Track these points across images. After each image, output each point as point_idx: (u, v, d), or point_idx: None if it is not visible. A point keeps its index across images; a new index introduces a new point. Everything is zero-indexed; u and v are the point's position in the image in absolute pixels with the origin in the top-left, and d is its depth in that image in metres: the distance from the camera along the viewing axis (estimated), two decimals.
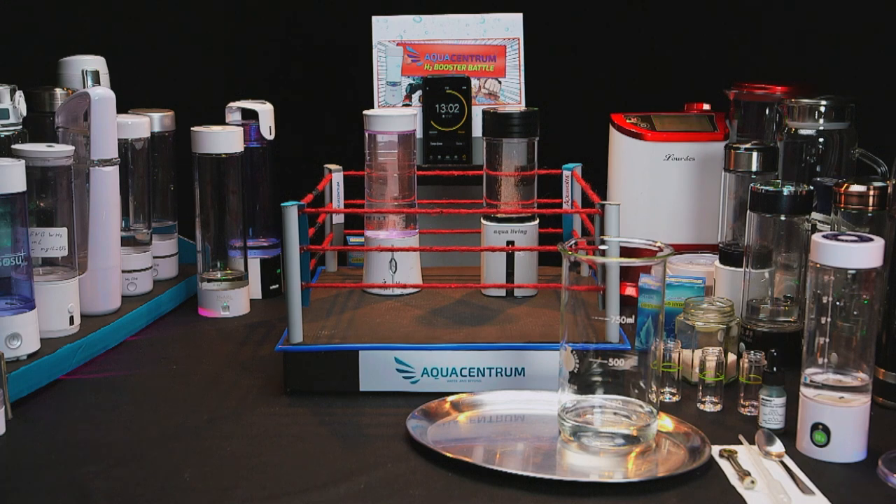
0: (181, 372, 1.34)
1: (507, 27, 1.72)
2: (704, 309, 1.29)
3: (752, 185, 1.35)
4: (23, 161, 1.24)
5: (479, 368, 1.22)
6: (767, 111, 1.58)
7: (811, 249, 1.06)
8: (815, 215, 1.33)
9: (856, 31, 1.69)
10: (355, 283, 1.46)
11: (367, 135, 1.41)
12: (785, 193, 1.30)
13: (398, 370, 1.22)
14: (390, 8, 1.73)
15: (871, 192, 1.25)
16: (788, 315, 1.34)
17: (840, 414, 1.05)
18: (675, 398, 1.22)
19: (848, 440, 1.05)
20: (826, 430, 1.05)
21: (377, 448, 1.09)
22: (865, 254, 1.03)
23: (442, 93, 1.70)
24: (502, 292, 1.41)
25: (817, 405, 1.06)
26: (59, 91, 1.52)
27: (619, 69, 1.89)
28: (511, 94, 1.72)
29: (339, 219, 1.56)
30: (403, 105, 1.72)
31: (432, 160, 1.71)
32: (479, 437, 1.14)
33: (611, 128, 1.65)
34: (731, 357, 1.27)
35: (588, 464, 1.06)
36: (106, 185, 1.42)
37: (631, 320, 1.11)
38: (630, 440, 1.07)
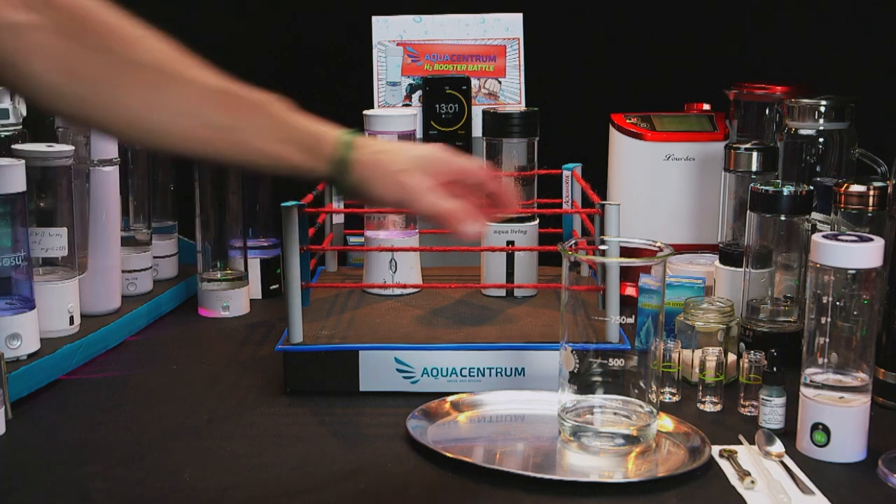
0: (181, 372, 1.34)
1: (507, 27, 1.72)
2: (704, 309, 1.29)
3: (752, 185, 1.35)
4: (23, 161, 1.24)
5: (479, 368, 1.22)
6: (767, 111, 1.58)
7: (811, 249, 1.06)
8: (815, 215, 1.33)
9: (856, 31, 1.69)
10: (355, 283, 1.46)
11: (367, 135, 1.41)
12: (785, 193, 1.30)
13: (398, 370, 1.22)
14: (390, 8, 1.73)
15: (871, 192, 1.25)
16: (788, 315, 1.34)
17: (840, 414, 1.05)
18: (675, 398, 1.22)
19: (848, 440, 1.05)
20: (826, 430, 1.05)
21: (377, 448, 1.09)
22: (865, 254, 1.03)
23: (442, 93, 1.70)
24: (502, 292, 1.41)
25: (817, 405, 1.06)
26: None
27: (619, 69, 1.89)
28: (511, 94, 1.72)
29: (339, 219, 1.56)
30: (403, 105, 1.72)
31: None
32: (479, 437, 1.14)
33: (611, 128, 1.65)
34: (731, 357, 1.27)
35: (588, 464, 1.06)
36: (106, 185, 1.42)
37: (631, 320, 1.11)
38: (630, 440, 1.07)
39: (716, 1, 1.84)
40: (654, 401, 1.08)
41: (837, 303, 1.05)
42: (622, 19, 1.91)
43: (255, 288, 1.63)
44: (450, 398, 1.18)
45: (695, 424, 1.11)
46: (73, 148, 1.35)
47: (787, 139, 1.47)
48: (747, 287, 1.36)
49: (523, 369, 1.22)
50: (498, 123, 1.38)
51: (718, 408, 1.19)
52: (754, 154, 1.43)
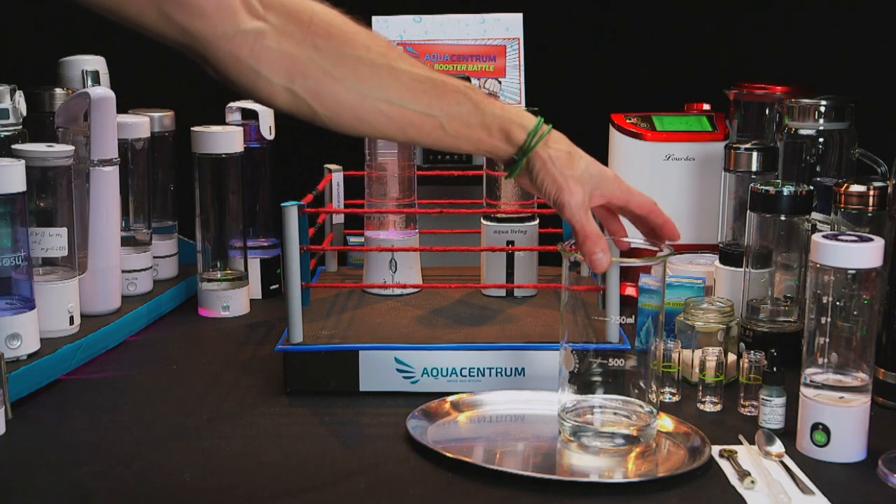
0: (181, 372, 1.34)
1: (507, 27, 1.72)
2: (704, 309, 1.29)
3: (752, 185, 1.35)
4: (23, 161, 1.24)
5: (479, 368, 1.22)
6: (767, 111, 1.58)
7: (811, 249, 1.06)
8: (815, 215, 1.33)
9: (856, 31, 1.69)
10: (355, 283, 1.46)
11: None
12: (785, 193, 1.30)
13: (398, 370, 1.22)
14: (390, 8, 1.73)
15: (871, 192, 1.25)
16: (788, 315, 1.34)
17: (840, 414, 1.05)
18: (675, 398, 1.22)
19: (848, 440, 1.05)
20: (826, 430, 1.05)
21: (377, 448, 1.09)
22: (865, 254, 1.03)
23: None
24: (502, 292, 1.41)
25: (817, 405, 1.06)
26: (59, 91, 1.52)
27: (619, 69, 1.89)
28: (511, 94, 1.72)
29: (339, 219, 1.56)
30: None
31: (432, 160, 1.71)
32: (479, 437, 1.14)
33: (611, 128, 1.65)
34: (731, 357, 1.27)
35: (588, 464, 1.06)
36: (106, 185, 1.42)
37: (631, 320, 1.11)
38: (630, 440, 1.07)
39: (716, 1, 1.84)
40: (654, 401, 1.08)
41: (837, 303, 1.05)
42: (622, 20, 1.91)
43: (255, 288, 1.63)
44: (450, 398, 1.18)
45: (695, 424, 1.11)
46: (73, 148, 1.35)
47: (787, 139, 1.47)
48: (747, 287, 1.36)
49: (523, 369, 1.22)
50: None
51: (718, 408, 1.19)
52: (754, 154, 1.43)
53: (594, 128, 1.68)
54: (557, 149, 1.01)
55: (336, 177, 1.54)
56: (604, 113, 1.66)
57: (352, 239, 1.60)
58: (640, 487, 0.99)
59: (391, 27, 1.72)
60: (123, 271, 1.51)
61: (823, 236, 1.05)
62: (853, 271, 1.04)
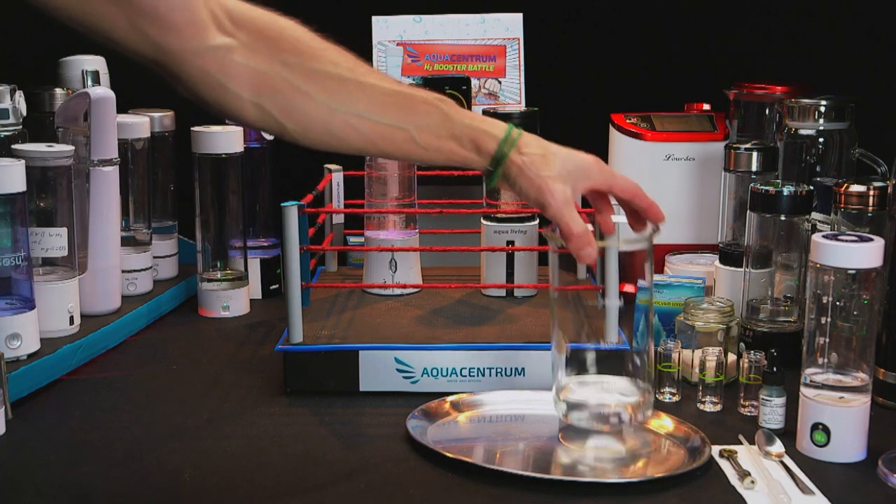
0: (181, 372, 1.34)
1: (507, 27, 1.72)
2: (704, 309, 1.29)
3: (752, 185, 1.35)
4: (23, 161, 1.24)
5: (479, 368, 1.22)
6: (767, 111, 1.58)
7: (811, 249, 1.06)
8: (815, 215, 1.33)
9: (856, 31, 1.69)
10: (355, 283, 1.46)
11: None
12: (785, 193, 1.30)
13: (398, 370, 1.22)
14: (390, 8, 1.73)
15: (871, 192, 1.25)
16: (788, 315, 1.34)
17: (840, 414, 1.05)
18: (675, 398, 1.22)
19: (848, 440, 1.05)
20: (826, 430, 1.05)
21: (377, 448, 1.09)
22: (865, 254, 1.03)
23: (442, 93, 1.69)
24: (502, 292, 1.41)
25: (817, 405, 1.06)
26: (59, 91, 1.52)
27: (619, 69, 1.89)
28: (511, 94, 1.72)
29: (339, 219, 1.56)
30: None
31: None
32: (479, 437, 1.14)
33: (611, 128, 1.65)
34: (731, 357, 1.27)
35: (588, 464, 1.06)
36: (106, 185, 1.42)
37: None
38: (625, 418, 1.06)
39: (716, 1, 1.84)
40: (651, 376, 1.07)
41: (837, 303, 1.05)
42: (622, 19, 1.91)
43: (255, 288, 1.63)
44: (450, 398, 1.18)
45: (695, 424, 1.11)
46: (73, 148, 1.35)
47: (787, 139, 1.47)
48: (747, 287, 1.36)
49: (523, 369, 1.22)
50: None
51: (718, 408, 1.19)
52: (754, 154, 1.43)
53: (594, 128, 1.68)
54: (530, 153, 1.00)
55: (336, 177, 1.54)
56: (604, 113, 1.66)
57: (352, 239, 1.60)
58: (640, 487, 0.99)
59: (391, 27, 1.72)
60: (123, 271, 1.51)
61: (823, 236, 1.05)
62: (853, 271, 1.04)
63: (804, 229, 1.32)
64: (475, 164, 1.00)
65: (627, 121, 1.63)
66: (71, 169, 1.35)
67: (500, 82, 1.72)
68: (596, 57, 1.89)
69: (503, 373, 1.22)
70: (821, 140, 1.45)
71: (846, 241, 1.04)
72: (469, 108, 1.69)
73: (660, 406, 1.19)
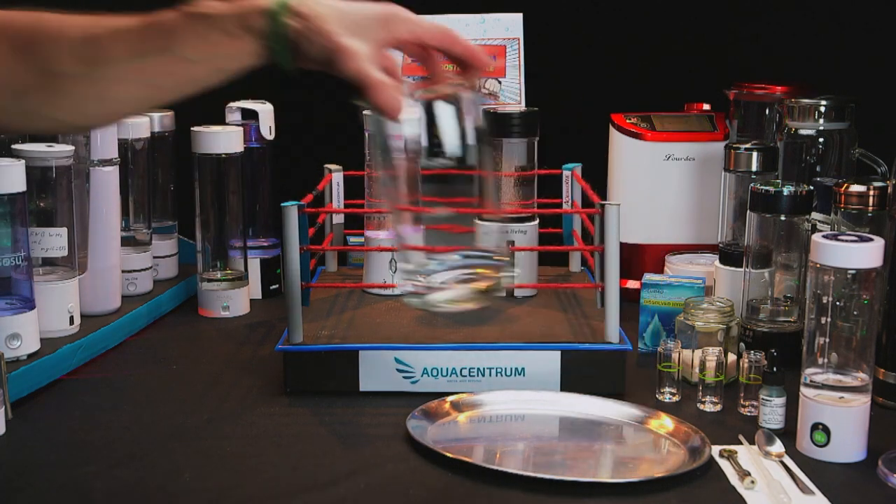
0: (181, 372, 1.34)
1: (507, 27, 1.72)
2: (704, 309, 1.29)
3: (752, 185, 1.34)
4: (23, 161, 1.24)
5: (479, 368, 1.22)
6: (767, 111, 1.58)
7: (811, 249, 1.06)
8: (815, 215, 1.33)
9: (856, 31, 1.69)
10: (355, 283, 1.46)
11: (367, 135, 1.41)
12: (785, 193, 1.30)
13: (398, 370, 1.22)
14: None
15: (871, 192, 1.25)
16: (788, 315, 1.34)
17: (840, 414, 1.05)
18: (675, 398, 1.22)
19: (848, 440, 1.05)
20: (826, 430, 1.05)
21: (377, 448, 1.09)
22: (865, 254, 1.03)
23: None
24: (502, 292, 1.40)
25: (817, 405, 1.06)
26: None
27: (619, 69, 1.89)
28: (511, 94, 1.72)
29: (339, 219, 1.56)
30: None
31: None
32: (479, 437, 1.14)
33: (611, 128, 1.65)
34: (731, 357, 1.27)
35: (588, 463, 1.06)
36: (106, 185, 1.42)
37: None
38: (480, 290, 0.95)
39: (716, 1, 1.84)
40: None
41: (837, 303, 1.05)
42: (622, 19, 1.91)
43: (255, 288, 1.63)
44: (450, 398, 1.18)
45: (695, 424, 1.11)
46: (73, 148, 1.35)
47: (787, 139, 1.47)
48: (747, 287, 1.36)
49: (523, 369, 1.22)
50: (498, 123, 1.38)
51: (718, 408, 1.19)
52: (754, 154, 1.43)
53: (594, 128, 1.68)
54: (309, 13, 0.86)
55: (336, 177, 1.54)
56: (604, 113, 1.66)
57: (352, 239, 1.60)
58: (640, 487, 0.99)
59: None
60: (123, 271, 1.51)
61: (823, 236, 1.05)
62: (853, 271, 1.04)
63: (804, 229, 1.32)
64: (253, 49, 0.86)
65: (627, 121, 1.63)
66: (71, 169, 1.35)
67: (500, 82, 1.72)
68: (596, 57, 1.89)
69: (503, 373, 1.22)
70: (821, 140, 1.45)
71: (846, 241, 1.04)
72: None
73: (660, 406, 1.19)
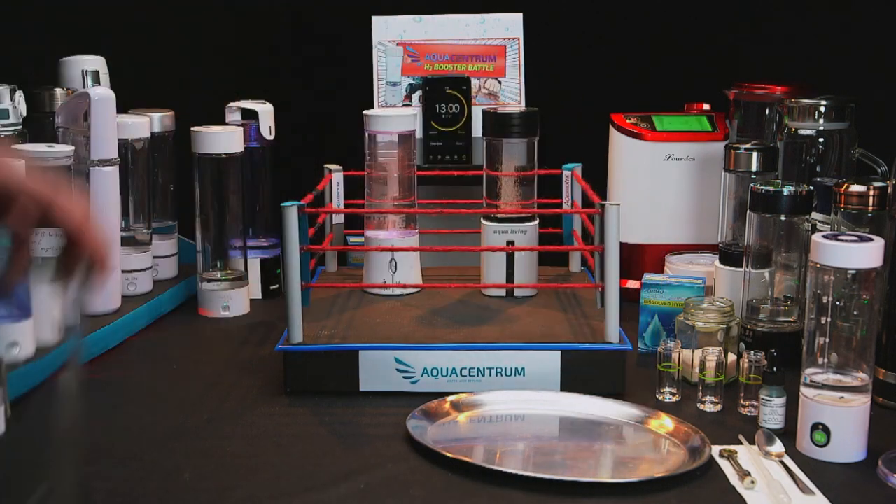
0: (181, 372, 1.34)
1: (507, 27, 1.72)
2: (704, 309, 1.29)
3: (752, 185, 1.35)
4: (23, 161, 1.24)
5: (479, 368, 1.22)
6: (767, 111, 1.58)
7: (811, 249, 1.06)
8: (815, 215, 1.33)
9: (856, 31, 1.69)
10: (355, 283, 1.46)
11: (367, 135, 1.41)
12: (785, 193, 1.30)
13: (398, 370, 1.22)
14: (390, 8, 1.73)
15: (871, 192, 1.25)
16: (788, 315, 1.34)
17: (840, 414, 1.05)
18: (675, 398, 1.22)
19: (848, 440, 1.05)
20: (826, 430, 1.05)
21: (377, 448, 1.09)
22: (865, 254, 1.03)
23: (442, 93, 1.70)
24: (502, 292, 1.41)
25: (817, 405, 1.06)
26: (59, 91, 1.52)
27: (619, 69, 1.89)
28: (511, 94, 1.72)
29: (339, 219, 1.56)
30: (403, 105, 1.72)
31: (432, 160, 1.71)
32: (479, 437, 1.14)
33: (611, 128, 1.65)
34: (731, 357, 1.27)
35: (588, 463, 1.06)
36: (106, 185, 1.42)
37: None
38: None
39: (716, 1, 1.84)
40: None
41: (837, 303, 1.05)
42: (622, 19, 1.91)
43: (255, 288, 1.63)
44: (450, 398, 1.18)
45: (695, 424, 1.11)
46: (73, 148, 1.35)
47: (787, 139, 1.47)
48: (747, 287, 1.36)
49: (523, 369, 1.22)
50: (498, 123, 1.38)
51: (718, 408, 1.19)
52: (754, 154, 1.43)
53: (594, 128, 1.68)
54: None
55: (336, 177, 1.54)
56: (604, 113, 1.66)
57: (352, 239, 1.60)
58: (640, 487, 0.99)
59: (391, 27, 1.72)
60: (123, 271, 1.51)
61: (823, 236, 1.05)
62: (853, 271, 1.04)
63: (804, 229, 1.32)
64: None
65: (627, 121, 1.63)
66: (71, 169, 1.35)
67: (500, 82, 1.72)
68: (596, 57, 1.90)
69: (503, 373, 1.22)
70: (821, 140, 1.45)
71: (846, 241, 1.04)
72: (469, 108, 1.69)
73: (660, 406, 1.20)
